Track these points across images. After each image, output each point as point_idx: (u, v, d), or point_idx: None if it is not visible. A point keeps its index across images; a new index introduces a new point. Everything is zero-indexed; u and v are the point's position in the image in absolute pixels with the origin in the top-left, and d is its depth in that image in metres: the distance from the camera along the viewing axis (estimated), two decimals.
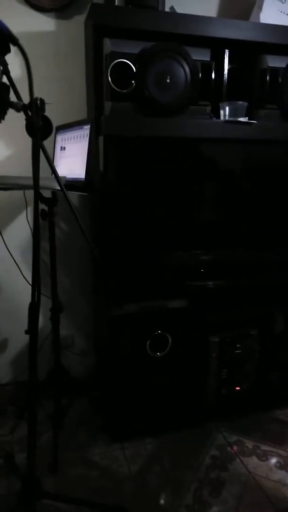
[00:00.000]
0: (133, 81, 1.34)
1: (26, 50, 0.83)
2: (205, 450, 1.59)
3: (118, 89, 1.33)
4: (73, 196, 1.68)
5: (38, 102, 1.09)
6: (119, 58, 1.30)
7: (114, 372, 1.57)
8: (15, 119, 1.11)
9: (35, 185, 1.15)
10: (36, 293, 1.17)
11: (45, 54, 1.65)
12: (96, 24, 1.37)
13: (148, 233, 1.51)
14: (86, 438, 1.65)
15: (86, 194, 1.43)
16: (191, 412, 1.69)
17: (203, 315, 1.60)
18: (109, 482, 1.42)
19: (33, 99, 1.09)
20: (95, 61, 1.41)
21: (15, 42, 0.63)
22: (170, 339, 1.55)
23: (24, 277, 1.71)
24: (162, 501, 1.35)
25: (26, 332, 1.23)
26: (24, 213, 1.77)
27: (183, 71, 1.33)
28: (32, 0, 1.59)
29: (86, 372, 1.96)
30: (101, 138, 1.46)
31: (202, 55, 1.40)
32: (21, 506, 1.26)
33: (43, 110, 1.11)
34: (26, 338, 1.36)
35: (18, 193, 1.69)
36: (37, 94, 1.10)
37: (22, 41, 0.81)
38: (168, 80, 1.32)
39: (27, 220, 1.75)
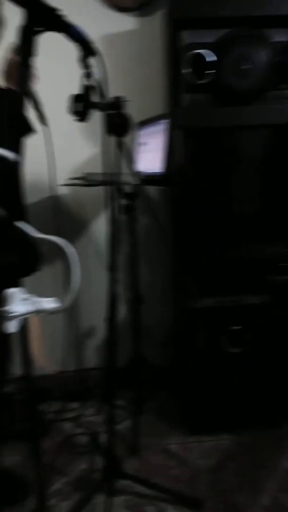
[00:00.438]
0: (208, 72, 1.31)
1: (111, 51, 0.87)
2: (285, 451, 1.52)
3: (194, 81, 1.32)
4: (153, 190, 1.72)
5: (118, 100, 1.14)
6: (196, 49, 1.29)
7: (191, 365, 1.58)
8: (98, 118, 1.17)
9: (116, 181, 1.21)
10: (114, 284, 1.24)
11: (128, 52, 1.70)
12: (174, 17, 1.37)
13: (225, 225, 1.47)
14: (165, 427, 1.69)
15: (163, 187, 1.45)
16: (270, 411, 1.62)
17: (285, 311, 1.51)
18: (186, 473, 1.44)
19: (113, 99, 1.14)
20: (173, 54, 1.41)
21: (88, 45, 0.67)
22: (249, 335, 1.50)
23: (107, 270, 1.79)
24: (237, 498, 1.32)
25: (106, 319, 1.31)
26: (106, 208, 1.85)
27: (261, 55, 1.27)
28: (116, 2, 1.65)
29: (165, 363, 1.99)
30: (178, 132, 1.46)
31: (281, 36, 1.31)
32: (103, 483, 1.36)
33: (124, 107, 1.16)
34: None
35: (102, 189, 1.78)
36: (119, 92, 1.15)
37: (107, 43, 0.85)
38: (246, 66, 1.27)
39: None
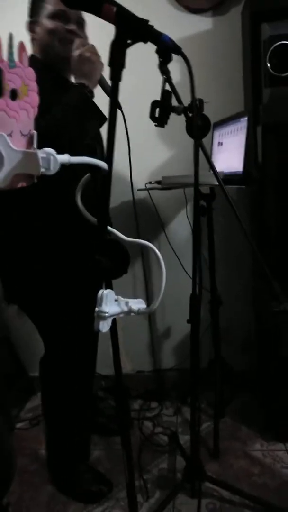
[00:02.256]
0: None
1: (186, 54, 0.87)
2: None
3: (277, 74, 1.28)
4: (231, 190, 1.68)
5: (197, 103, 1.14)
6: (278, 41, 1.24)
7: (276, 370, 1.52)
8: (174, 122, 1.18)
9: (196, 183, 1.20)
10: (196, 285, 1.24)
11: (203, 53, 1.70)
12: (254, 11, 1.34)
13: None
14: (247, 432, 1.65)
15: (243, 187, 1.42)
16: None
17: None
18: (272, 482, 1.39)
19: (193, 101, 1.14)
20: (253, 49, 1.38)
21: (179, 52, 0.68)
22: None
23: (185, 271, 1.80)
24: None
25: (188, 321, 1.31)
26: (184, 210, 1.86)
27: None
28: (190, 5, 1.66)
29: (247, 366, 1.94)
30: (259, 128, 1.42)
31: None
32: (185, 484, 1.36)
33: (202, 109, 1.16)
34: (187, 327, 1.43)
35: (178, 191, 1.80)
36: (197, 94, 1.15)
37: (183, 46, 0.86)
38: None
39: (187, 217, 1.84)
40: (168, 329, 2.03)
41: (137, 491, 1.38)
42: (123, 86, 0.72)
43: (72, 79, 1.20)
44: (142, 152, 1.80)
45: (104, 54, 1.14)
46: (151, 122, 1.18)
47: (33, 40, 1.24)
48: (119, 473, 1.47)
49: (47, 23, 1.18)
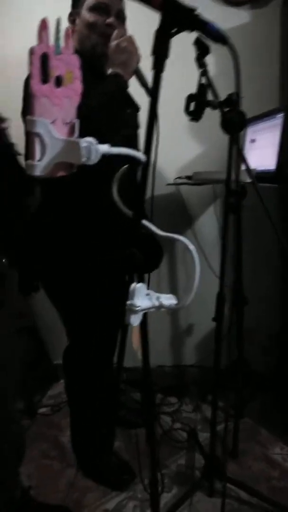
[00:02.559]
0: None
1: (222, 47, 0.84)
2: None
3: None
4: (262, 188, 1.65)
5: (234, 97, 1.12)
6: None
7: None
8: (206, 116, 1.16)
9: (228, 179, 1.18)
10: (223, 284, 1.22)
11: (240, 47, 1.64)
12: None
13: None
14: (267, 434, 1.62)
15: (275, 185, 1.38)
16: None
17: None
18: None
19: (238, 94, 1.12)
20: None
21: (225, 41, 0.66)
22: None
23: (211, 269, 1.78)
24: None
25: (213, 319, 1.29)
26: (212, 207, 1.84)
27: None
28: None
29: (268, 368, 1.91)
30: None
31: None
32: (203, 482, 1.35)
33: (238, 105, 1.13)
34: (210, 325, 1.40)
35: (207, 187, 1.77)
36: (233, 88, 1.13)
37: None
38: None
39: (215, 214, 1.82)
40: (190, 326, 2.01)
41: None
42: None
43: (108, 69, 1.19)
44: (172, 147, 1.78)
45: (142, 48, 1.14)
46: (182, 115, 1.17)
47: (72, 31, 1.23)
48: (136, 465, 1.47)
49: (86, 15, 1.18)
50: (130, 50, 1.11)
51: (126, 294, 1.47)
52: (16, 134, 1.01)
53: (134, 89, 1.14)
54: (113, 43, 1.12)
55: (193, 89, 1.14)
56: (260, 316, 1.91)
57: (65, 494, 1.38)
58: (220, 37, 0.65)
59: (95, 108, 1.03)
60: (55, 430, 1.71)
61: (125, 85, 1.12)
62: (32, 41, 0.56)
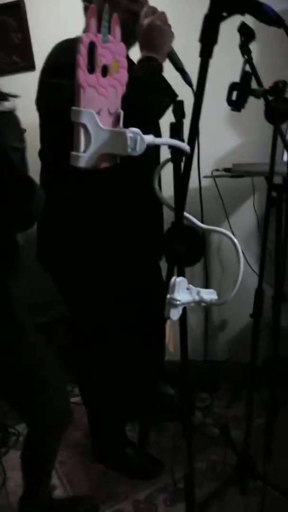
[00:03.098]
0: None
1: (267, 32, 0.78)
2: None
3: None
4: None
5: (281, 85, 1.07)
6: None
7: None
8: (249, 106, 1.11)
9: (271, 171, 1.14)
10: (262, 279, 1.19)
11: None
12: None
13: None
14: None
15: None
16: None
17: None
18: None
19: (274, 84, 1.07)
20: None
21: (281, 24, 0.63)
22: None
23: (248, 263, 1.74)
24: None
25: (251, 315, 1.26)
26: (251, 200, 1.78)
27: None
28: None
29: None
30: None
31: None
32: (234, 479, 1.34)
33: (285, 93, 1.08)
34: (244, 321, 1.36)
35: (246, 180, 1.72)
36: (276, 77, 1.08)
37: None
38: None
39: (254, 207, 1.76)
40: (224, 321, 1.98)
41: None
42: (191, 64, 0.66)
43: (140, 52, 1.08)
44: (209, 138, 1.74)
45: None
46: (220, 105, 1.13)
47: (87, 10, 1.15)
48: (168, 459, 1.48)
49: None
50: (164, 29, 1.00)
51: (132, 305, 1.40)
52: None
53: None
54: (145, 21, 1.01)
55: (234, 77, 1.10)
56: None
57: (98, 483, 1.41)
58: (275, 19, 0.62)
59: (126, 97, 0.98)
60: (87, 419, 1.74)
61: (160, 70, 1.03)
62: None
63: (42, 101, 1.11)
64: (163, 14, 1.03)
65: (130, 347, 1.42)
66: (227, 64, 1.08)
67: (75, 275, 1.24)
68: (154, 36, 1.00)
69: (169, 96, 1.04)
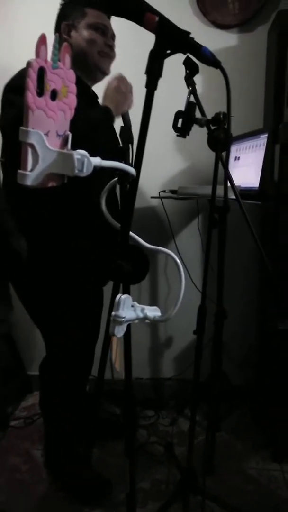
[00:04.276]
0: None
1: (210, 68, 0.87)
2: None
3: None
4: (244, 205, 1.69)
5: (221, 116, 1.15)
6: None
7: (276, 387, 1.51)
8: (194, 134, 1.18)
9: (213, 195, 1.21)
10: (205, 297, 1.24)
11: (227, 68, 1.71)
12: (281, 32, 1.35)
13: None
14: (243, 449, 1.63)
15: (259, 202, 1.42)
16: None
17: None
18: (266, 501, 1.37)
19: (228, 114, 1.15)
20: (278, 69, 1.39)
21: (218, 65, 0.69)
22: None
23: (193, 282, 1.80)
24: None
25: (195, 332, 1.31)
26: (195, 221, 1.87)
27: None
28: (217, 20, 1.68)
29: (246, 382, 1.93)
30: (277, 146, 1.43)
31: None
32: (178, 496, 1.35)
33: (225, 123, 1.17)
34: (189, 338, 1.39)
35: (191, 202, 1.81)
36: (218, 108, 1.16)
37: None
38: None
39: (198, 228, 1.85)
40: (169, 339, 2.02)
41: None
42: (143, 93, 0.71)
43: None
44: (158, 161, 1.82)
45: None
46: (169, 131, 1.19)
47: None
48: (111, 478, 1.46)
49: (86, 32, 1.23)
50: (126, 95, 1.19)
51: (98, 304, 1.46)
52: None
53: None
54: (114, 82, 1.19)
55: (180, 105, 1.17)
56: (239, 330, 1.94)
57: (37, 509, 1.35)
58: (212, 61, 0.68)
59: (81, 131, 1.04)
60: (28, 443, 1.67)
61: (112, 119, 1.17)
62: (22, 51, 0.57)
63: (1, 117, 1.14)
64: (129, 84, 1.21)
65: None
66: (178, 93, 1.15)
67: (38, 286, 1.25)
68: (116, 95, 1.18)
69: (112, 143, 1.16)
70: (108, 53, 1.26)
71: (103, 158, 0.63)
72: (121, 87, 1.19)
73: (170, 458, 1.58)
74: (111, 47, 1.28)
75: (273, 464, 1.54)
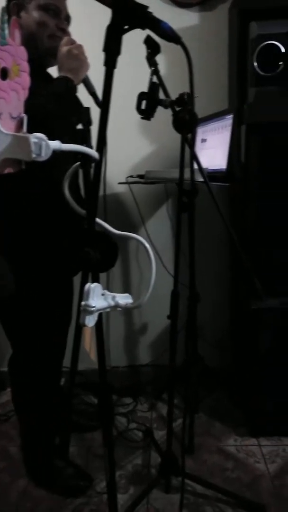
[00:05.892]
0: (281, 63, 1.27)
1: (172, 47, 0.84)
2: None
3: (263, 73, 1.28)
4: (212, 187, 1.69)
5: (186, 97, 1.13)
6: (267, 40, 1.25)
7: (251, 366, 1.54)
8: (159, 116, 1.16)
9: (181, 178, 1.20)
10: (178, 282, 1.24)
11: (190, 48, 1.69)
12: (242, 9, 1.34)
13: None
14: (221, 428, 1.67)
15: (227, 184, 1.42)
16: None
17: None
18: (246, 476, 1.41)
19: (191, 94, 1.12)
20: (240, 48, 1.38)
21: (178, 41, 0.66)
22: None
23: (165, 267, 1.80)
24: None
25: (168, 317, 1.31)
26: (165, 206, 1.85)
27: None
28: None
29: (222, 364, 1.96)
30: (243, 127, 1.42)
31: None
32: (159, 479, 1.36)
33: (191, 104, 1.14)
34: (163, 323, 1.38)
35: (160, 186, 1.78)
36: (182, 88, 1.14)
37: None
38: None
39: (168, 212, 1.83)
40: (144, 325, 2.02)
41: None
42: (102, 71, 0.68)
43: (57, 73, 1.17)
44: (124, 145, 1.78)
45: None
46: (134, 113, 1.16)
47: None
48: (93, 469, 1.45)
49: (36, 13, 1.14)
50: (81, 58, 1.12)
51: (70, 295, 1.42)
52: None
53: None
54: (64, 48, 1.11)
55: (145, 87, 1.14)
56: (213, 312, 1.96)
57: (16, 505, 1.33)
58: (173, 36, 0.65)
59: (45, 106, 0.99)
60: (3, 440, 1.64)
61: (74, 89, 1.11)
62: None
63: None
64: (80, 46, 1.12)
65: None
66: (144, 74, 1.11)
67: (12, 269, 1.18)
68: (71, 61, 1.10)
69: (79, 114, 1.10)
70: (61, 37, 1.16)
71: (71, 136, 0.59)
72: (73, 51, 1.10)
73: (150, 443, 1.59)
74: (64, 30, 1.18)
75: (250, 440, 1.58)
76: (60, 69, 1.13)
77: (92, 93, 1.18)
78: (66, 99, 1.07)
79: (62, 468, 1.40)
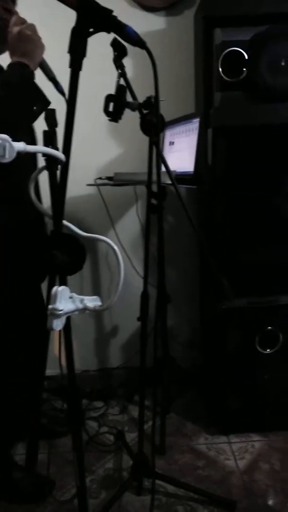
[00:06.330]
0: (244, 69, 1.30)
1: (138, 51, 0.84)
2: None
3: (228, 79, 1.32)
4: (181, 190, 1.72)
5: (153, 100, 1.14)
6: (230, 47, 1.28)
7: (221, 366, 1.57)
8: (127, 118, 1.16)
9: (149, 181, 1.20)
10: (147, 283, 1.25)
11: (155, 52, 1.69)
12: (207, 16, 1.36)
13: (258, 226, 1.46)
14: (192, 427, 1.68)
15: (195, 187, 1.45)
16: None
17: None
18: (216, 474, 1.43)
19: (156, 97, 1.13)
20: (205, 53, 1.40)
21: (143, 45, 0.67)
22: (281, 336, 1.49)
23: (134, 268, 1.80)
24: (271, 501, 1.31)
25: (138, 319, 1.31)
26: (134, 208, 1.86)
27: None
28: (143, 2, 1.66)
29: (193, 364, 1.99)
30: (209, 131, 1.45)
31: None
32: (131, 481, 1.36)
33: (157, 107, 1.15)
34: (134, 325, 1.38)
35: (129, 188, 1.79)
36: (148, 92, 1.15)
37: None
38: (283, 63, 1.25)
39: (137, 214, 1.84)
40: (115, 327, 2.01)
41: None
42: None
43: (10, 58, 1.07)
44: (92, 147, 1.77)
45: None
46: (102, 115, 1.16)
47: None
48: (64, 475, 1.43)
49: None
50: (34, 39, 1.02)
51: (40, 299, 1.39)
52: None
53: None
54: (15, 29, 1.01)
55: (113, 89, 1.14)
56: (183, 313, 1.98)
57: None
58: (137, 41, 0.66)
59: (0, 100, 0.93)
60: None
61: (31, 76, 1.03)
62: None
63: None
64: (32, 25, 1.03)
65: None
66: (112, 75, 1.11)
67: None
68: (24, 44, 1.01)
69: (41, 102, 1.03)
70: (7, 18, 1.04)
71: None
72: (25, 31, 0.99)
73: (121, 446, 1.58)
74: (10, 10, 1.07)
75: (220, 438, 1.61)
76: (12, 54, 1.02)
77: (51, 78, 1.10)
78: (23, 88, 0.99)
79: (21, 478, 1.36)
